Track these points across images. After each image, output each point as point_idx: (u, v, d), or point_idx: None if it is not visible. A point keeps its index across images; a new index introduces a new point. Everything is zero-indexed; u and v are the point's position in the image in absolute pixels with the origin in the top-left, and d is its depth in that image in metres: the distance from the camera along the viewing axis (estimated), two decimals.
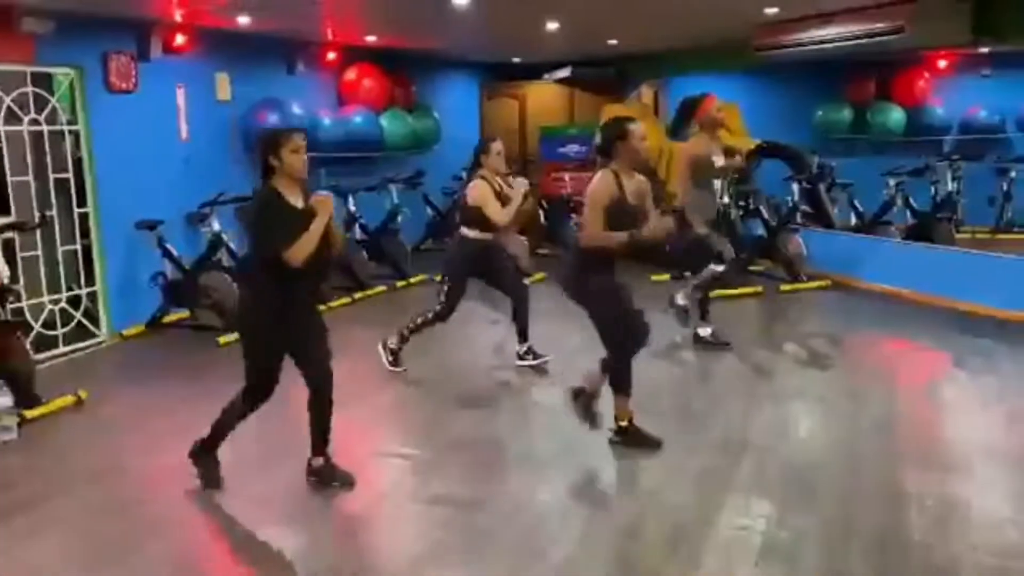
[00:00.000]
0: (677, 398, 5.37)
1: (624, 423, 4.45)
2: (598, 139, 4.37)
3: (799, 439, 4.72)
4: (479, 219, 5.56)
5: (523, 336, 5.90)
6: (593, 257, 4.27)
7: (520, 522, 3.77)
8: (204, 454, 4.12)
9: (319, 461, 4.14)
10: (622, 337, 4.31)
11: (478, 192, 5.55)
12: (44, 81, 6.47)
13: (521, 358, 5.89)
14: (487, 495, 4.06)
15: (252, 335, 3.95)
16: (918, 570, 3.28)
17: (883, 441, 4.57)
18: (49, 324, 6.53)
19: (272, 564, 3.55)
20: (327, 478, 4.12)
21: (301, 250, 3.71)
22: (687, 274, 8.35)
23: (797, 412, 5.13)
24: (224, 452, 4.55)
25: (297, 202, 3.84)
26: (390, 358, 5.83)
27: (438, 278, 5.93)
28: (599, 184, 4.21)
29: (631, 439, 4.44)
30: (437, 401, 5.41)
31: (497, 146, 5.64)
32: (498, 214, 5.52)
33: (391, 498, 4.07)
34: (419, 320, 5.80)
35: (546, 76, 11.94)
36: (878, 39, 6.81)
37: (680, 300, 6.22)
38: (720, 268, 6.08)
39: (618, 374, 4.38)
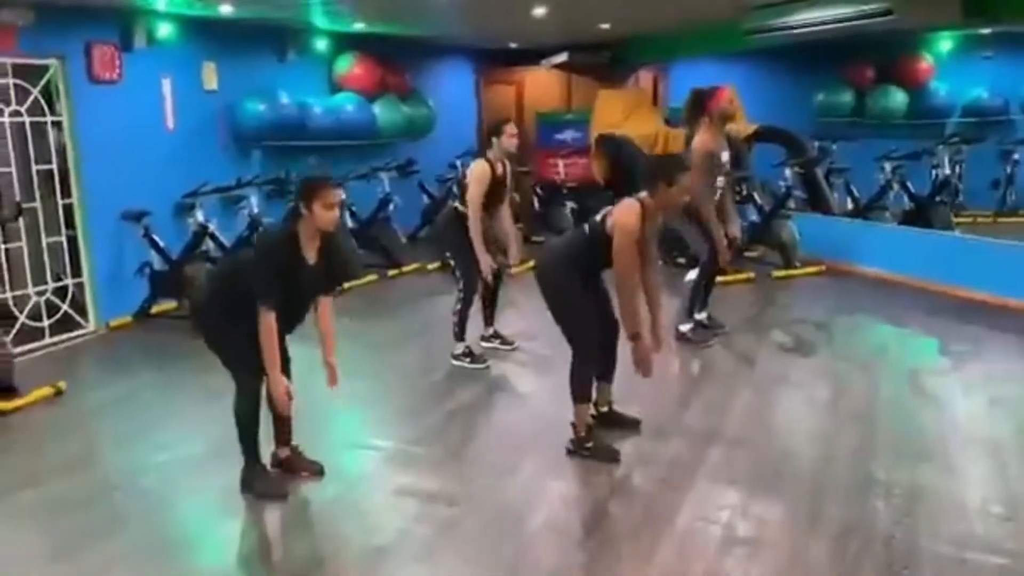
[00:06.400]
0: (655, 385, 5.29)
1: (583, 434, 4.26)
2: (644, 168, 4.18)
3: (773, 427, 4.67)
4: None
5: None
6: (588, 263, 4.16)
7: (484, 512, 3.74)
8: (251, 472, 4.00)
9: (285, 451, 4.15)
10: (586, 330, 4.19)
11: (475, 172, 5.50)
12: (26, 72, 6.46)
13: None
14: (453, 486, 4.04)
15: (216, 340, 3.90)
16: (877, 560, 3.23)
17: (859, 429, 4.51)
18: (35, 315, 6.55)
19: (234, 555, 3.55)
20: (294, 467, 4.13)
21: (267, 333, 3.68)
22: (678, 259, 8.37)
23: (775, 399, 5.07)
24: (190, 443, 4.59)
25: (310, 255, 3.79)
26: (466, 361, 5.73)
27: (443, 264, 5.88)
28: (630, 220, 3.95)
29: (592, 451, 4.24)
30: (414, 391, 5.40)
31: (511, 128, 5.56)
32: (473, 203, 5.45)
33: (357, 489, 4.06)
34: (456, 316, 5.72)
35: (543, 62, 11.85)
36: (866, 21, 6.68)
37: (684, 328, 6.11)
38: (693, 274, 6.04)
39: (580, 378, 4.23)
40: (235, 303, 3.73)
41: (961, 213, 9.95)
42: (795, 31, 7.46)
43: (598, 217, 4.13)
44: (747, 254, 8.62)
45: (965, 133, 10.06)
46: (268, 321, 3.68)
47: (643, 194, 4.03)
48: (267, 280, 3.69)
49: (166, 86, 7.44)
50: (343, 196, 3.74)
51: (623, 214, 3.98)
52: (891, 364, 5.70)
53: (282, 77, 8.60)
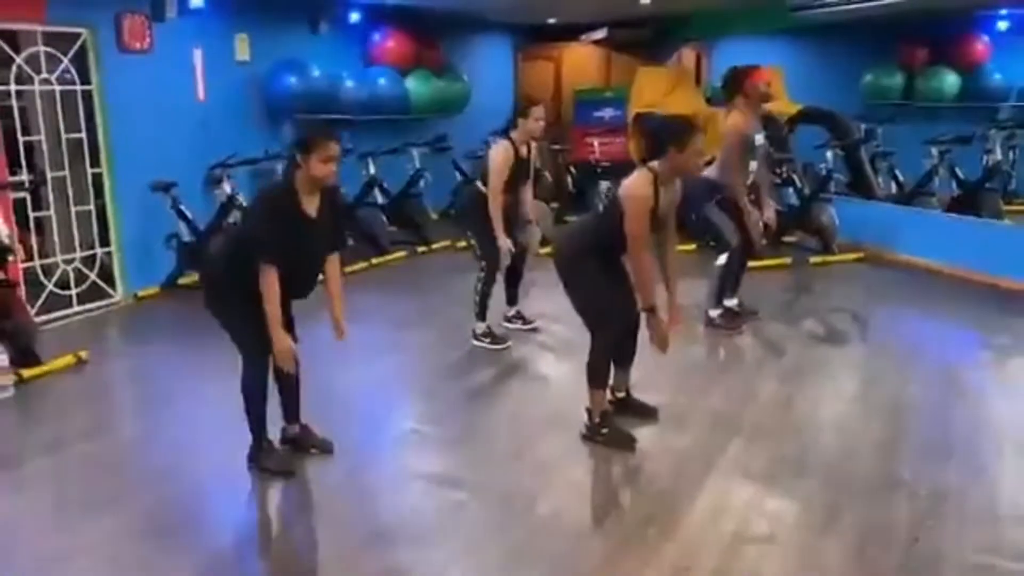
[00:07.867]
0: (677, 372, 5.15)
1: (599, 420, 4.14)
2: (650, 132, 4.04)
3: (797, 419, 4.48)
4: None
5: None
6: (606, 243, 4.01)
7: (492, 497, 3.66)
8: (258, 448, 3.93)
9: (295, 428, 4.10)
10: (607, 317, 4.05)
11: (496, 155, 5.35)
12: (57, 40, 6.46)
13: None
14: (463, 469, 3.97)
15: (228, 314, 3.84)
16: (896, 564, 3.08)
17: (887, 425, 4.32)
18: (63, 284, 6.59)
19: (236, 531, 3.54)
20: (304, 444, 4.09)
21: (268, 287, 3.58)
22: (712, 243, 8.15)
23: (801, 390, 4.88)
24: (203, 417, 4.57)
25: (310, 208, 3.67)
26: (487, 341, 5.62)
27: (466, 243, 5.81)
28: (640, 188, 3.83)
29: (607, 438, 4.12)
30: (432, 370, 5.33)
31: (538, 111, 5.38)
32: (493, 184, 5.31)
33: (366, 468, 4.00)
34: (478, 295, 5.61)
35: (583, 37, 11.64)
36: None
37: (712, 313, 5.96)
38: (723, 259, 5.85)
39: (597, 363, 4.10)
40: (243, 275, 3.62)
41: (1013, 201, 9.56)
42: (842, 8, 7.18)
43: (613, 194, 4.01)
44: (785, 239, 8.38)
45: (1020, 117, 9.65)
46: (269, 275, 3.56)
47: (654, 163, 3.89)
48: (265, 231, 3.58)
49: (197, 57, 7.41)
50: (340, 150, 3.62)
51: (633, 181, 3.88)
52: (927, 357, 5.47)
53: (314, 49, 8.53)
